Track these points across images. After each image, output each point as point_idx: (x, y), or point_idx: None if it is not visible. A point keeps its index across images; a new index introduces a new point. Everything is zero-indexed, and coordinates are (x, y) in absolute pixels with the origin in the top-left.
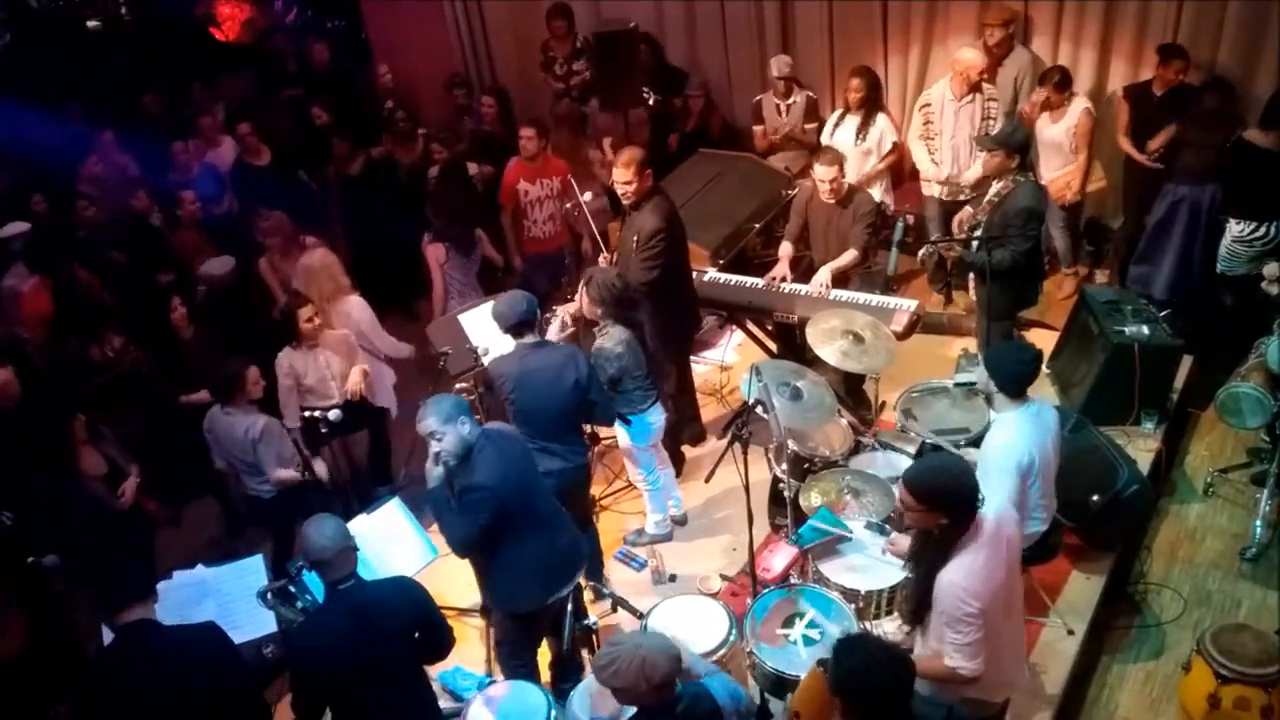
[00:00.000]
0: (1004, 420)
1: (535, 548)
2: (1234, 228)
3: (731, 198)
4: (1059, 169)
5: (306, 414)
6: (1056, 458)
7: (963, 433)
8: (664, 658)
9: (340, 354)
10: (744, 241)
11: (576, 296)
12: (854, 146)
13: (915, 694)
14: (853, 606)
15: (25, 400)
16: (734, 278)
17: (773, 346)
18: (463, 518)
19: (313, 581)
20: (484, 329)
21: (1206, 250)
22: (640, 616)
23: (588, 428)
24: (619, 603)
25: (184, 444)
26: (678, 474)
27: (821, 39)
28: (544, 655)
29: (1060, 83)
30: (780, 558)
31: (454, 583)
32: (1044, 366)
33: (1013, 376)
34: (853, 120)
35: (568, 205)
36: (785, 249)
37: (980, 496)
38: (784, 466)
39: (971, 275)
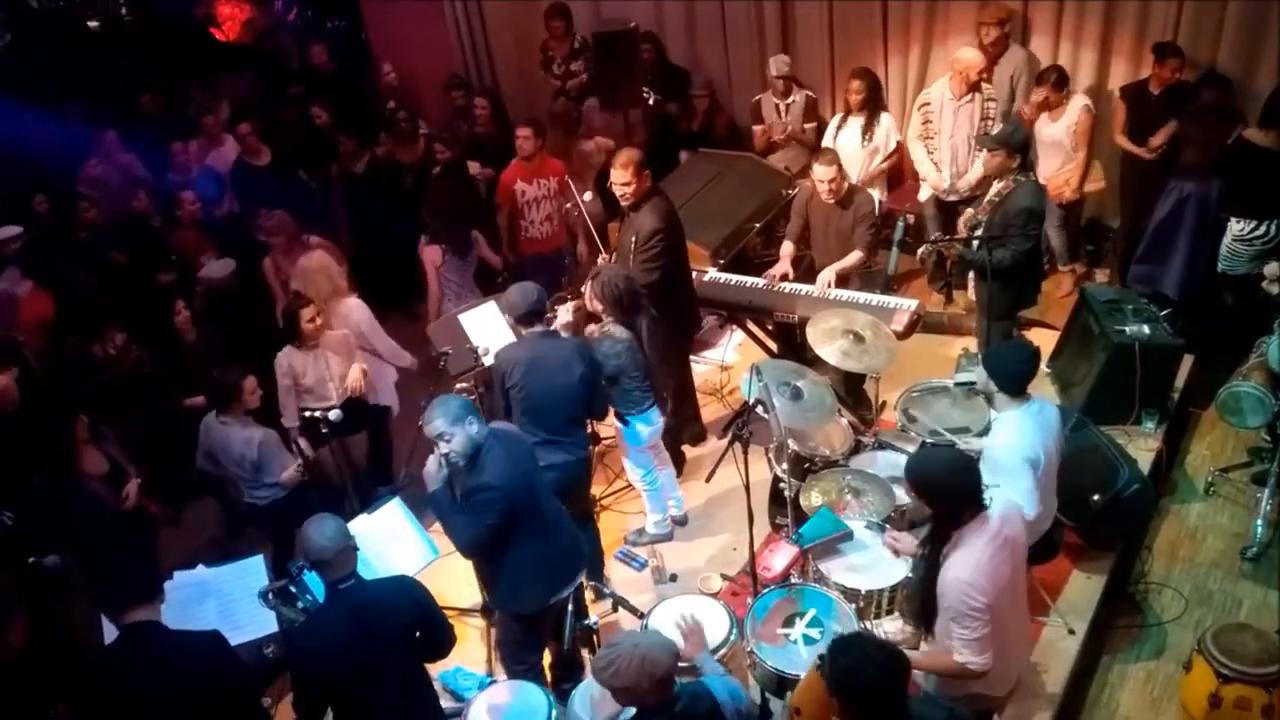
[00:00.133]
0: (1006, 419)
1: (539, 548)
2: (1234, 227)
3: (731, 197)
4: (1059, 168)
5: (306, 414)
6: (1058, 457)
7: (963, 432)
8: (663, 653)
9: (340, 354)
10: (744, 241)
11: (584, 291)
12: (861, 147)
13: (919, 692)
14: (853, 606)
15: (25, 401)
16: (734, 277)
17: (773, 346)
18: (470, 518)
19: (313, 581)
20: (484, 329)
21: (1213, 247)
22: (641, 616)
23: (588, 426)
24: (620, 602)
25: (184, 445)
26: (678, 474)
27: (821, 39)
28: (544, 655)
29: (1058, 82)
30: (781, 557)
31: (455, 582)
32: (1044, 366)
33: (1012, 375)
34: (856, 122)
35: (567, 205)
36: (787, 248)
37: (988, 497)
38: (784, 466)
39: (971, 275)
